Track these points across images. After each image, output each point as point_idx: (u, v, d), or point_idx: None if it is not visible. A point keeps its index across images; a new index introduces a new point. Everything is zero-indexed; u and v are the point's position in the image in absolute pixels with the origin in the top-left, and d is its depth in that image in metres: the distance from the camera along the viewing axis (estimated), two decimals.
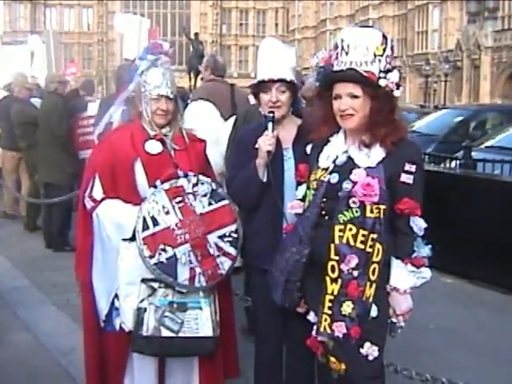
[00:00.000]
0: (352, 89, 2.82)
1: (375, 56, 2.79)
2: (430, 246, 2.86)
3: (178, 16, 76.19)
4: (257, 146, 3.22)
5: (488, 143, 10.75)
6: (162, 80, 3.31)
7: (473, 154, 9.29)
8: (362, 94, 2.81)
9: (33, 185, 8.92)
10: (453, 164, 9.39)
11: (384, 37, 2.83)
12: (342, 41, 2.85)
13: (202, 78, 6.43)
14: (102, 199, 3.33)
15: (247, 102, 6.14)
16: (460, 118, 14.00)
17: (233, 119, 4.95)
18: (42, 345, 4.92)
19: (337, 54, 2.86)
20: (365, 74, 2.78)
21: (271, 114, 3.25)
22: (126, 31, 12.38)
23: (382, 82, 2.79)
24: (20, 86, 9.25)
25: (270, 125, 3.23)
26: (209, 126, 5.24)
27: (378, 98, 2.81)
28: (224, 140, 4.83)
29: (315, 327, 2.92)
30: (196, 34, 32.56)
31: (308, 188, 2.99)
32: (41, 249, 7.87)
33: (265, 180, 3.24)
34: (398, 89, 2.83)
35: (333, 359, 2.91)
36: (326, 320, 2.83)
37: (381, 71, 2.79)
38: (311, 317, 3.01)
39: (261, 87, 3.34)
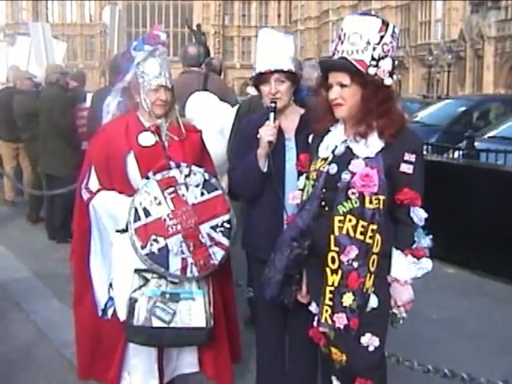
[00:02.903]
0: (340, 78, 2.81)
1: (369, 44, 2.75)
2: (430, 236, 2.85)
3: (181, 7, 76.07)
4: (258, 136, 3.22)
5: (491, 133, 10.72)
6: (160, 70, 3.30)
7: (476, 144, 9.26)
8: (349, 82, 2.79)
9: (35, 176, 8.93)
10: (456, 154, 9.37)
11: (384, 24, 2.79)
12: (342, 30, 2.84)
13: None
14: (98, 190, 3.35)
15: (223, 90, 6.13)
16: (463, 109, 13.95)
17: (235, 109, 4.94)
18: (44, 336, 4.93)
19: (337, 43, 2.85)
20: (354, 62, 2.75)
21: (273, 105, 3.24)
22: (109, 22, 12.37)
23: (371, 71, 2.76)
24: (21, 78, 9.26)
25: (271, 115, 3.22)
26: (210, 116, 5.24)
27: (368, 87, 2.79)
28: (228, 131, 4.83)
29: (316, 318, 2.92)
30: (198, 26, 32.52)
31: (307, 178, 2.98)
32: (43, 240, 7.88)
33: (265, 170, 3.24)
34: (390, 77, 2.79)
35: (334, 350, 2.92)
36: (327, 311, 2.83)
37: (373, 59, 2.76)
38: (313, 308, 3.01)
39: (260, 79, 3.33)
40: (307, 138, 3.13)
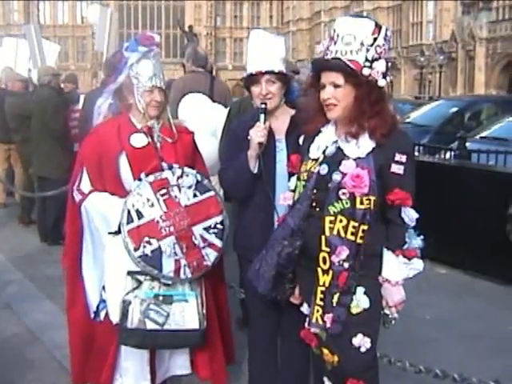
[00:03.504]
0: (334, 78, 2.80)
1: (362, 45, 2.75)
2: (421, 236, 2.85)
3: (173, 8, 76.00)
4: (249, 137, 3.22)
5: (482, 134, 10.78)
6: (154, 71, 3.30)
7: (467, 144, 9.32)
8: (343, 83, 2.79)
9: (27, 178, 8.91)
10: (447, 155, 9.40)
11: (377, 26, 2.80)
12: (334, 31, 2.83)
13: (184, 71, 6.46)
14: (90, 192, 3.33)
15: (227, 94, 6.16)
16: (455, 109, 14.02)
17: (227, 110, 4.95)
18: (36, 338, 4.92)
19: (328, 44, 2.85)
20: (348, 62, 2.75)
21: (263, 106, 3.24)
22: (98, 23, 12.36)
23: (366, 71, 2.75)
24: (12, 79, 9.26)
25: (261, 116, 3.22)
26: (204, 118, 5.24)
27: (362, 88, 2.78)
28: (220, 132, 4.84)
29: (308, 319, 2.92)
30: (190, 27, 32.64)
31: (298, 179, 2.98)
32: (35, 242, 7.85)
33: (256, 172, 3.24)
34: (384, 78, 2.79)
35: (326, 351, 2.91)
36: (318, 311, 2.83)
37: (367, 60, 2.75)
38: (304, 308, 3.01)
39: (251, 80, 3.33)
40: (298, 139, 3.13)
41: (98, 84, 10.08)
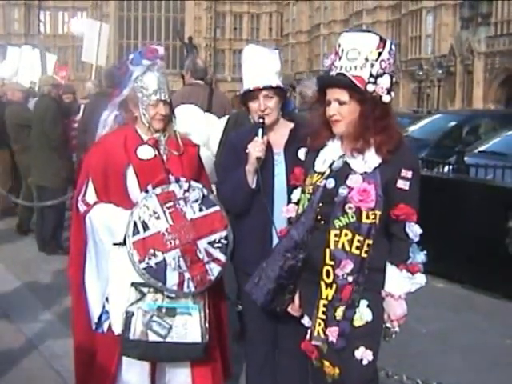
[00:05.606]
0: (339, 94, 2.81)
1: (367, 60, 2.76)
2: (425, 252, 2.86)
3: (173, 20, 76.15)
4: (247, 151, 3.23)
5: (481, 148, 10.81)
6: (159, 85, 3.30)
7: (466, 158, 9.33)
8: (348, 99, 2.80)
9: (26, 187, 8.92)
10: (446, 169, 9.42)
11: (382, 40, 2.81)
12: (339, 45, 2.84)
13: (184, 82, 6.48)
14: (95, 203, 3.33)
15: (227, 106, 6.15)
16: (453, 123, 14.06)
17: (224, 122, 4.96)
18: (34, 348, 4.90)
19: (334, 59, 2.86)
20: (353, 78, 2.76)
21: (261, 120, 3.26)
22: (86, 35, 12.46)
23: (370, 87, 2.76)
24: (12, 89, 9.29)
25: (260, 131, 3.23)
26: (195, 129, 5.25)
27: (366, 104, 2.79)
28: (214, 143, 4.84)
29: (309, 331, 2.92)
30: (190, 38, 32.64)
31: (303, 192, 2.98)
32: (34, 252, 7.83)
33: (254, 186, 3.25)
34: (388, 94, 2.80)
35: (327, 363, 2.91)
36: (320, 325, 2.84)
37: (371, 76, 2.76)
38: (305, 321, 3.02)
39: (248, 96, 3.35)
40: (297, 152, 3.14)
41: (85, 93, 10.20)
